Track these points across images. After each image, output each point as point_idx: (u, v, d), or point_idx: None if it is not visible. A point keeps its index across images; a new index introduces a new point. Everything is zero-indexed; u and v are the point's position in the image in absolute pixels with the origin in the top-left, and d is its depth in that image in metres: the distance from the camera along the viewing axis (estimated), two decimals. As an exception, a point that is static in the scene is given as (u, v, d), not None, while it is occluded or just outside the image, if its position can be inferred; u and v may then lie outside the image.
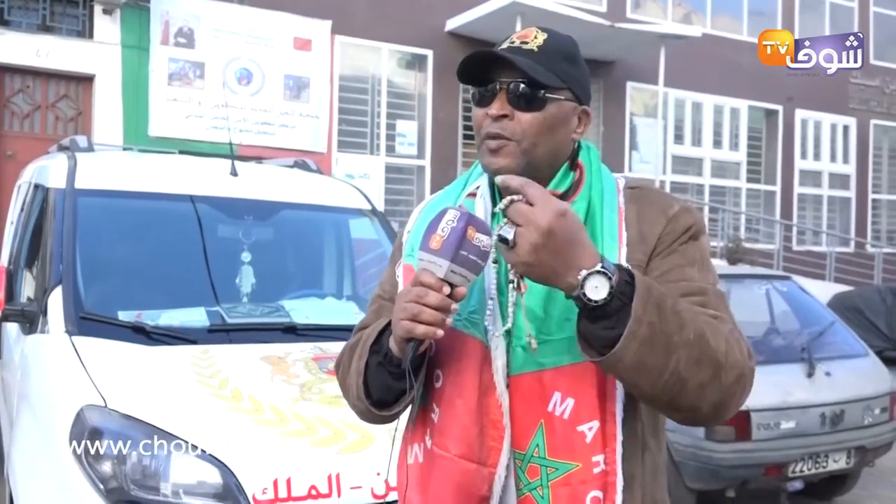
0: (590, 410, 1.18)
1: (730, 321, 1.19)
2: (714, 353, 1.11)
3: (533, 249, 1.06)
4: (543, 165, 1.25)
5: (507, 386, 1.22)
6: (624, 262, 1.20)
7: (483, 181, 1.33)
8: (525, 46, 1.24)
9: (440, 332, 1.13)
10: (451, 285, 1.12)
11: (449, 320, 1.14)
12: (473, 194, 1.34)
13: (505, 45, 1.26)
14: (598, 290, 1.06)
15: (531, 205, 1.07)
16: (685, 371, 1.09)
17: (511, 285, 1.21)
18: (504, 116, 1.22)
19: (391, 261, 1.45)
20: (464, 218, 1.12)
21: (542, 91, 1.22)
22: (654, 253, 1.24)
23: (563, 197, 1.24)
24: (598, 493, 1.18)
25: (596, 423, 1.18)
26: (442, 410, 1.24)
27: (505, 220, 1.09)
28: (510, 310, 1.22)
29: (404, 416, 1.33)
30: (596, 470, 1.18)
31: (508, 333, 1.22)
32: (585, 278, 1.06)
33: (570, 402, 1.18)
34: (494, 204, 1.29)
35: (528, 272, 1.09)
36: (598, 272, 1.06)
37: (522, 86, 1.22)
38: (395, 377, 1.23)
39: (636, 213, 1.26)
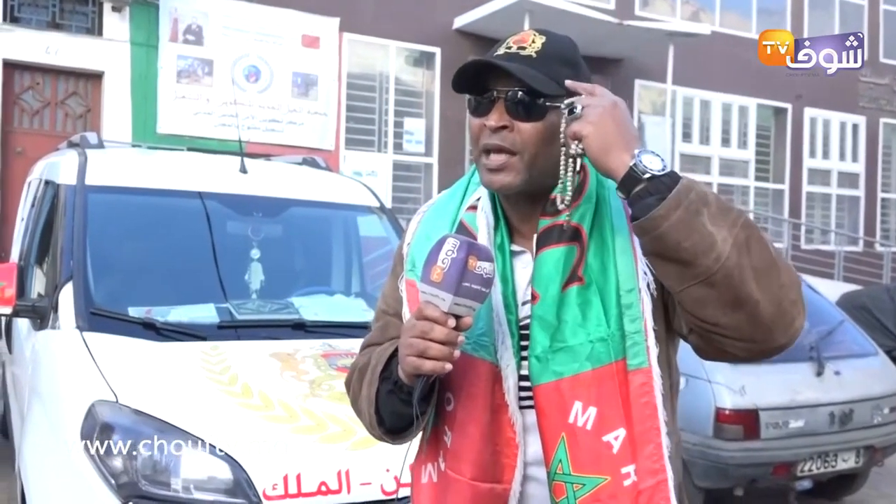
0: (615, 418, 1.12)
1: None
2: (771, 252, 1.07)
3: (600, 115, 1.08)
4: (545, 176, 1.19)
5: (531, 398, 1.18)
6: (640, 257, 1.17)
7: (484, 193, 1.29)
8: (523, 52, 1.18)
9: (448, 367, 1.10)
10: (457, 317, 1.10)
11: (457, 353, 1.11)
12: (474, 207, 1.29)
13: (501, 51, 1.20)
14: (652, 162, 1.06)
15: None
16: (739, 244, 1.03)
17: (571, 161, 1.16)
18: (503, 128, 1.17)
19: (392, 273, 1.40)
20: (464, 248, 1.09)
21: (542, 99, 1.16)
22: None
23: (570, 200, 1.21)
24: None
25: (622, 431, 1.12)
26: (454, 435, 1.22)
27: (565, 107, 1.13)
28: (521, 321, 1.19)
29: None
30: (626, 482, 1.11)
31: (520, 350, 1.19)
32: (640, 153, 1.06)
33: (593, 410, 1.12)
34: (496, 218, 1.26)
35: (592, 137, 1.08)
36: (649, 152, 1.07)
37: (521, 94, 1.16)
38: (406, 404, 1.19)
39: None
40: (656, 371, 1.16)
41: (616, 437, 1.12)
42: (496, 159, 1.18)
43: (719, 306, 1.06)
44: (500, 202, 1.27)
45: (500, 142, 1.17)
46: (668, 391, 1.21)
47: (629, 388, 1.14)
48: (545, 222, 1.21)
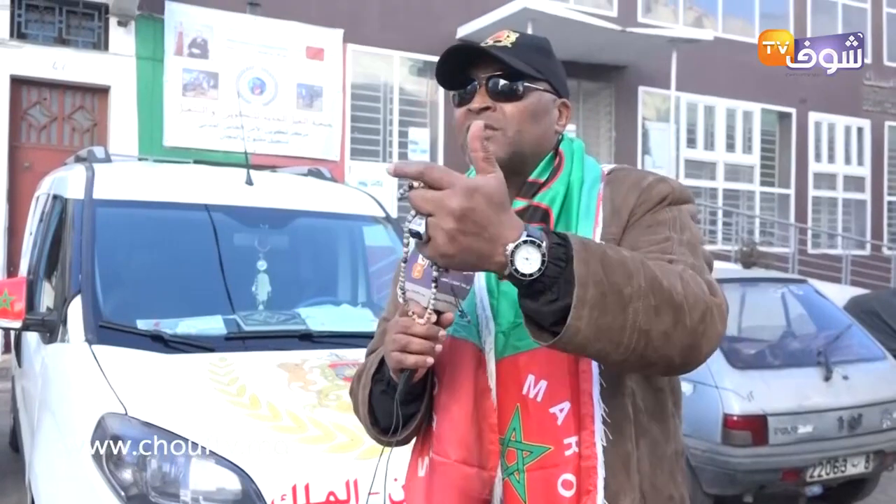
0: (561, 392, 1.17)
1: (689, 261, 1.14)
2: (671, 294, 1.03)
3: (450, 238, 0.95)
4: (529, 155, 1.25)
5: None
6: (598, 239, 1.20)
7: None
8: (499, 44, 1.26)
9: (430, 360, 1.13)
10: (438, 312, 1.12)
11: (438, 348, 1.13)
12: None
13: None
14: (528, 261, 0.97)
15: (437, 189, 0.96)
16: (645, 322, 1.01)
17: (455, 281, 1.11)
18: (487, 108, 1.24)
19: (394, 281, 1.43)
20: None
21: (521, 82, 1.24)
22: (628, 224, 1.22)
23: (544, 184, 1.26)
24: (570, 477, 1.16)
25: (567, 405, 1.17)
26: (439, 417, 1.25)
27: (413, 212, 0.97)
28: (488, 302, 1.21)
29: None
30: (567, 452, 1.16)
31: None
32: (513, 252, 0.97)
33: (543, 384, 1.18)
34: None
35: (450, 264, 1.00)
36: (525, 242, 0.97)
37: (502, 80, 1.23)
38: (400, 404, 1.22)
39: (611, 191, 1.26)
40: None
41: (561, 410, 1.17)
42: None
43: (631, 368, 1.13)
44: None
45: (486, 121, 1.21)
46: (652, 394, 1.23)
47: (579, 363, 1.18)
48: (519, 203, 1.24)
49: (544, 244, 0.98)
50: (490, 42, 1.28)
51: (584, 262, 0.99)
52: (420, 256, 1.10)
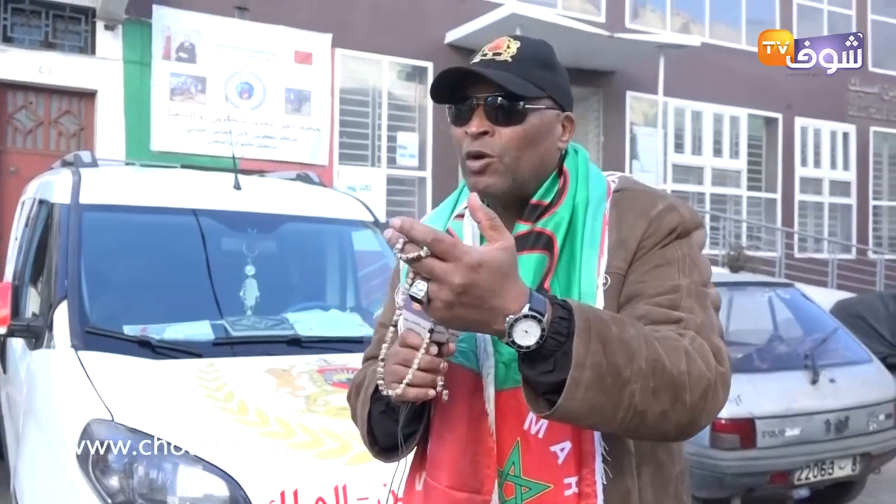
0: (562, 431, 1.14)
1: (698, 321, 1.12)
2: (672, 376, 1.02)
3: (447, 307, 0.96)
4: (529, 179, 1.20)
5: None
6: (602, 273, 1.17)
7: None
8: (498, 58, 1.19)
9: (432, 393, 1.10)
10: (439, 344, 1.09)
11: (440, 381, 1.11)
12: (462, 216, 1.29)
13: (478, 59, 1.21)
14: (527, 335, 0.97)
15: (443, 259, 0.95)
16: (642, 403, 1.01)
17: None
18: (484, 133, 1.17)
19: (391, 285, 1.41)
20: None
21: (521, 103, 1.17)
22: (636, 258, 1.18)
23: (548, 207, 1.21)
24: None
25: (568, 444, 1.14)
26: (432, 442, 1.23)
27: (412, 273, 0.97)
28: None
29: None
30: (567, 493, 1.14)
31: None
32: (512, 325, 0.97)
33: (545, 421, 1.14)
34: None
35: (448, 327, 1.03)
36: (525, 316, 0.97)
37: (500, 99, 1.16)
38: (398, 425, 1.20)
39: (617, 217, 1.20)
40: None
41: (562, 449, 1.15)
42: (479, 162, 1.19)
43: (632, 437, 1.13)
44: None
45: (482, 147, 1.18)
46: None
47: None
48: (521, 227, 1.21)
49: (546, 317, 0.98)
50: (489, 54, 1.20)
51: (585, 341, 0.98)
52: None
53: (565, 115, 1.25)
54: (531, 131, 1.18)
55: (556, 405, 0.99)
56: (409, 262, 0.95)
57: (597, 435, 1.15)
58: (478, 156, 1.19)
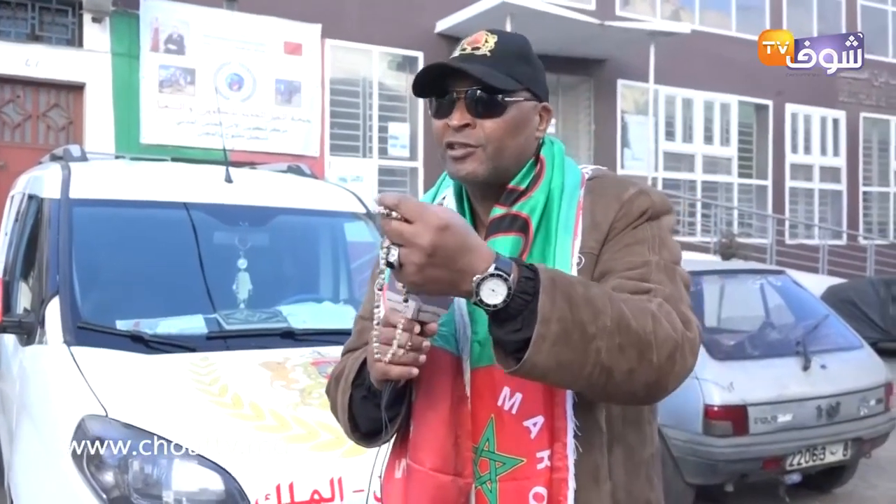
0: (535, 406, 1.18)
1: (667, 291, 1.15)
2: (638, 334, 1.05)
3: (418, 269, 1.00)
4: (510, 167, 1.24)
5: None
6: (576, 253, 1.21)
7: (449, 191, 1.34)
8: (477, 52, 1.23)
9: (415, 371, 1.12)
10: (422, 323, 1.11)
11: (422, 358, 1.13)
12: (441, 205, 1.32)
13: (457, 53, 1.25)
14: (494, 293, 1.02)
15: (410, 222, 1.00)
16: (608, 360, 1.04)
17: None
18: (466, 126, 1.22)
19: (371, 277, 1.42)
20: None
21: (500, 95, 1.21)
22: (608, 239, 1.22)
23: (524, 192, 1.25)
24: (542, 490, 1.17)
25: (540, 419, 1.18)
26: (416, 424, 1.24)
27: (387, 243, 1.02)
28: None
29: None
30: (540, 466, 1.17)
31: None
32: (479, 284, 1.01)
33: (518, 396, 1.18)
34: (462, 212, 1.30)
35: (420, 291, 1.05)
36: (492, 275, 1.01)
37: (480, 92, 1.21)
38: (381, 409, 1.22)
39: (591, 202, 1.25)
40: None
41: (535, 424, 1.18)
42: (460, 150, 1.23)
43: (593, 398, 1.16)
44: (468, 197, 1.31)
45: (464, 139, 1.22)
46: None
47: None
48: (497, 210, 1.25)
49: (512, 277, 1.02)
50: (468, 49, 1.24)
51: (551, 297, 1.02)
52: None
53: (542, 106, 1.29)
54: (511, 122, 1.23)
55: (523, 359, 1.02)
56: (382, 219, 1.01)
57: (569, 410, 1.18)
58: (461, 146, 1.23)
